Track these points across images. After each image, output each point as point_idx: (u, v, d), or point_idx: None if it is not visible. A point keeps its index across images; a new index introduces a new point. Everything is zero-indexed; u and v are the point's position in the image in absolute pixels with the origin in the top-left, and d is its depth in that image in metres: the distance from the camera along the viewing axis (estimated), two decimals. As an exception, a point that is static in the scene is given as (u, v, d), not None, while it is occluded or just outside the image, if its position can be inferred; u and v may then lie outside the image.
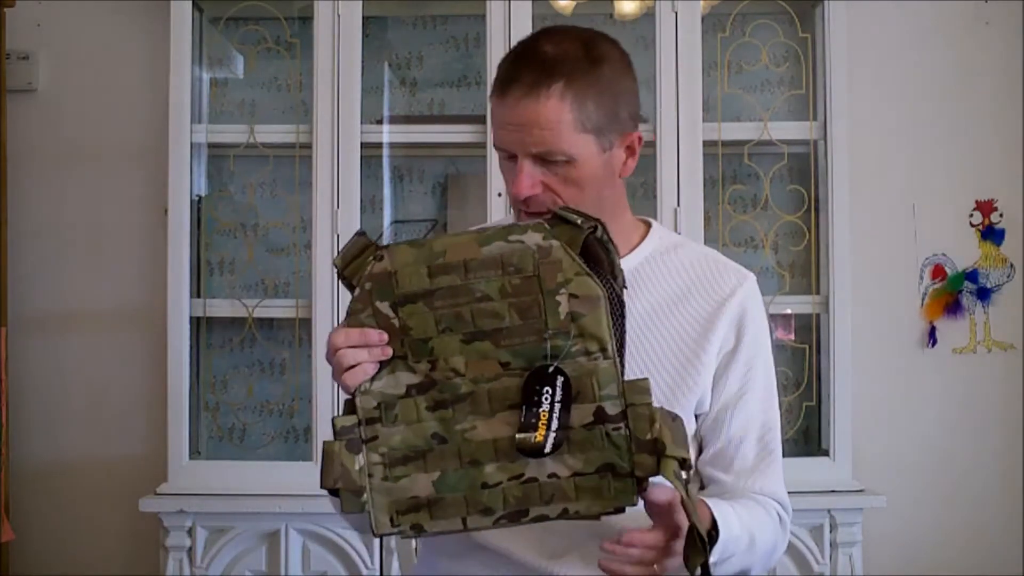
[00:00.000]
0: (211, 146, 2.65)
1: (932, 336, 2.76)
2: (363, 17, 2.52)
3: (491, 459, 1.14)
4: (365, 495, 1.15)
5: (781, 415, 2.86)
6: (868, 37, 2.73)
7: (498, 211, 2.46)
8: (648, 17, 2.59)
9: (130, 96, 2.78)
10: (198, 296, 2.62)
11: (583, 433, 1.13)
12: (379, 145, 2.68)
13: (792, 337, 2.68)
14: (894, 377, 2.76)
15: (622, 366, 1.15)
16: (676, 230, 2.46)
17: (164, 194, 2.55)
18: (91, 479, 2.76)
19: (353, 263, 1.18)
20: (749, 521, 1.31)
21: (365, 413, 1.16)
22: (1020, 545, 2.73)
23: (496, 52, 2.47)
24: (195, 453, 2.60)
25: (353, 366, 1.16)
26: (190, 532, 2.47)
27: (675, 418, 1.16)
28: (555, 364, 1.13)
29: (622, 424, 1.13)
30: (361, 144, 2.51)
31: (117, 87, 2.79)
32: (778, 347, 2.68)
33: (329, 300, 2.48)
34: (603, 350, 1.13)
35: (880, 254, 2.75)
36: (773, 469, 1.40)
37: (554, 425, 1.12)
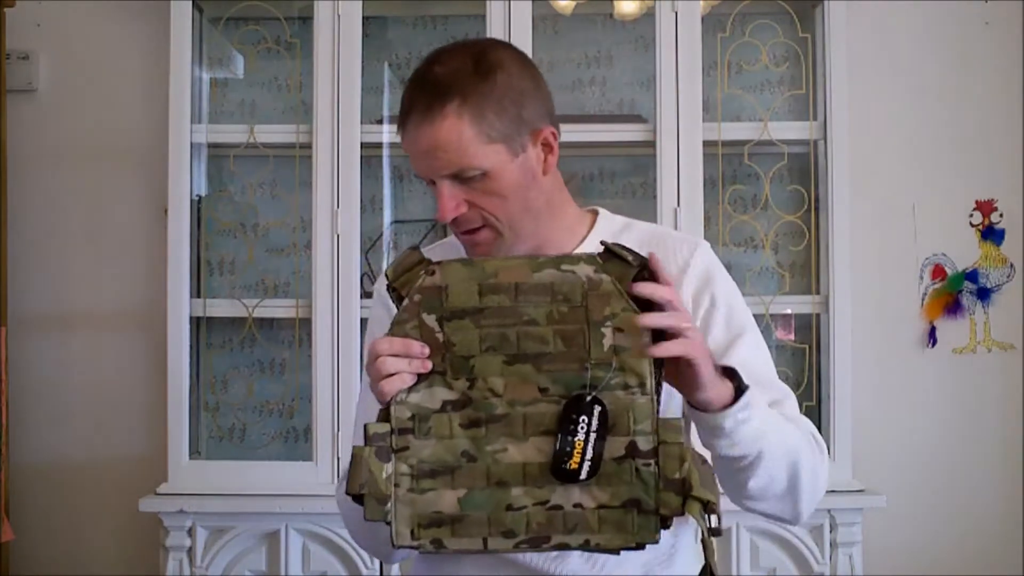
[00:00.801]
0: (211, 146, 2.65)
1: (932, 336, 2.76)
2: (363, 17, 2.52)
3: (519, 482, 1.16)
4: (389, 504, 1.16)
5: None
6: (868, 37, 2.74)
7: (498, 211, 2.45)
8: (648, 17, 2.59)
9: (130, 96, 2.78)
10: (198, 296, 2.62)
11: (613, 466, 1.15)
12: (379, 145, 2.68)
13: (792, 337, 2.69)
14: (894, 377, 2.76)
15: (658, 403, 1.16)
16: (676, 230, 2.46)
17: (164, 194, 2.55)
18: (91, 479, 2.76)
19: (404, 276, 1.19)
20: (773, 418, 1.28)
21: (399, 423, 1.17)
22: (1020, 545, 2.74)
23: (496, 52, 2.47)
24: (195, 453, 2.60)
25: (392, 374, 1.16)
26: (190, 532, 2.47)
27: (704, 461, 1.18)
28: (593, 393, 1.14)
29: (652, 461, 1.14)
30: (361, 144, 2.51)
31: (117, 87, 2.79)
32: (778, 347, 2.68)
33: (329, 300, 2.48)
34: (642, 385, 1.14)
35: (880, 254, 2.76)
36: (790, 403, 1.39)
37: (589, 453, 1.13)
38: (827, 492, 2.53)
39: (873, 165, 2.74)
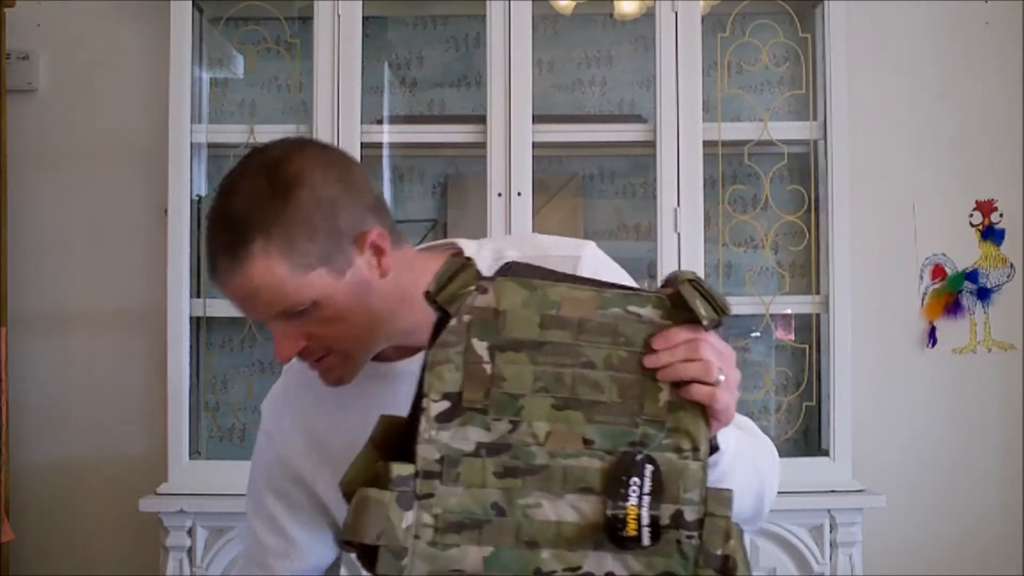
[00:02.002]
0: (211, 146, 2.65)
1: (932, 336, 2.76)
2: (363, 17, 2.51)
3: (550, 544, 1.02)
4: (406, 559, 1.00)
5: (781, 415, 2.87)
6: (868, 37, 2.74)
7: (498, 211, 2.46)
8: (648, 17, 2.59)
9: (130, 96, 2.78)
10: (198, 296, 2.61)
11: (650, 544, 1.03)
12: (379, 145, 2.68)
13: (792, 337, 2.68)
14: (894, 377, 2.76)
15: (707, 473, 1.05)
16: (676, 230, 2.46)
17: (164, 194, 2.55)
18: (91, 479, 2.76)
19: (448, 287, 1.03)
20: (743, 440, 1.20)
21: (425, 464, 1.01)
22: (1020, 545, 2.74)
23: (496, 52, 2.47)
24: (195, 453, 2.60)
25: None
26: (190, 532, 2.46)
27: (742, 533, 1.07)
28: (645, 452, 1.02)
29: (696, 533, 1.03)
30: (361, 144, 2.51)
31: (117, 87, 2.79)
32: (778, 347, 2.69)
33: (329, 300, 2.47)
34: (695, 450, 1.03)
35: (880, 254, 2.76)
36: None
37: (645, 520, 1.01)
38: (827, 492, 2.54)
39: (873, 165, 2.74)
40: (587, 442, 1.03)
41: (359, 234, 1.17)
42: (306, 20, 2.58)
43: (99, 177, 2.78)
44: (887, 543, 2.69)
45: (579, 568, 1.03)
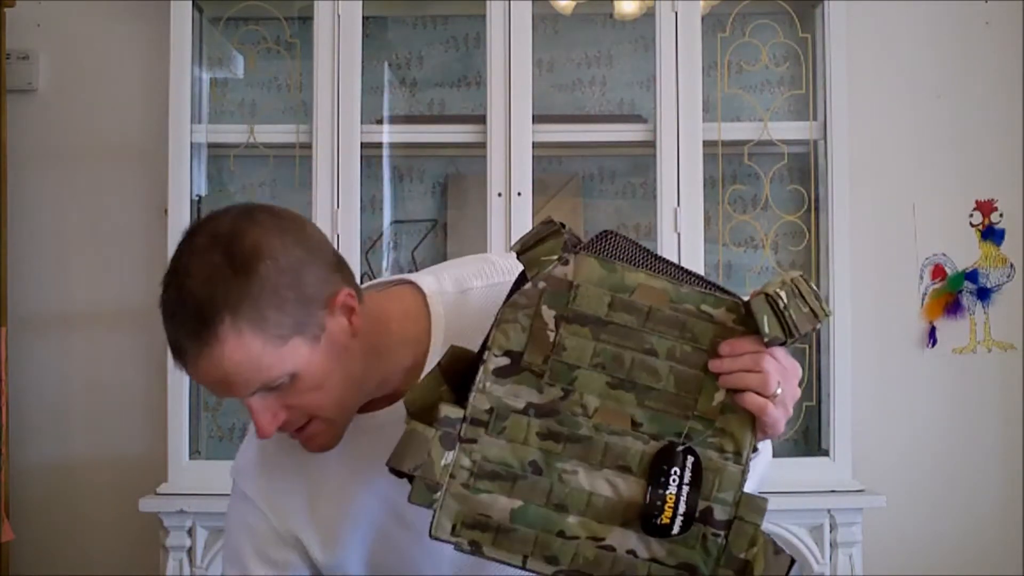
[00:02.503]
0: (211, 146, 2.65)
1: (932, 336, 2.76)
2: (363, 17, 2.51)
3: (578, 511, 1.07)
4: (439, 494, 1.06)
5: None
6: (868, 37, 2.74)
7: (498, 211, 2.46)
8: (648, 17, 2.59)
9: (130, 96, 2.78)
10: (198, 296, 2.61)
11: (679, 535, 1.07)
12: (379, 145, 2.68)
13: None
14: (894, 377, 2.76)
15: (746, 477, 1.08)
16: (676, 230, 2.46)
17: (164, 194, 2.55)
18: (91, 479, 2.76)
19: (532, 250, 1.07)
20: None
21: (474, 412, 1.07)
22: (1020, 545, 2.74)
23: (496, 52, 2.47)
24: (195, 453, 2.60)
25: None
26: (190, 532, 2.46)
27: (778, 552, 1.09)
28: (687, 443, 1.06)
29: (723, 533, 1.07)
30: (361, 144, 2.51)
31: (117, 87, 2.79)
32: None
33: (329, 300, 2.47)
34: (737, 454, 1.07)
35: (880, 254, 2.76)
36: None
37: (682, 508, 1.06)
38: (827, 492, 2.54)
39: (873, 165, 2.74)
40: (635, 424, 1.07)
41: (328, 297, 1.13)
42: (306, 20, 2.58)
43: (99, 177, 2.78)
44: (887, 543, 2.69)
45: (602, 540, 1.07)
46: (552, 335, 1.06)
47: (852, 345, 2.53)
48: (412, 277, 1.26)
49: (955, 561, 2.72)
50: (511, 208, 2.46)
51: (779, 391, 1.06)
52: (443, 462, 1.06)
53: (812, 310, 1.07)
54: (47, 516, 2.75)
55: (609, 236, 1.08)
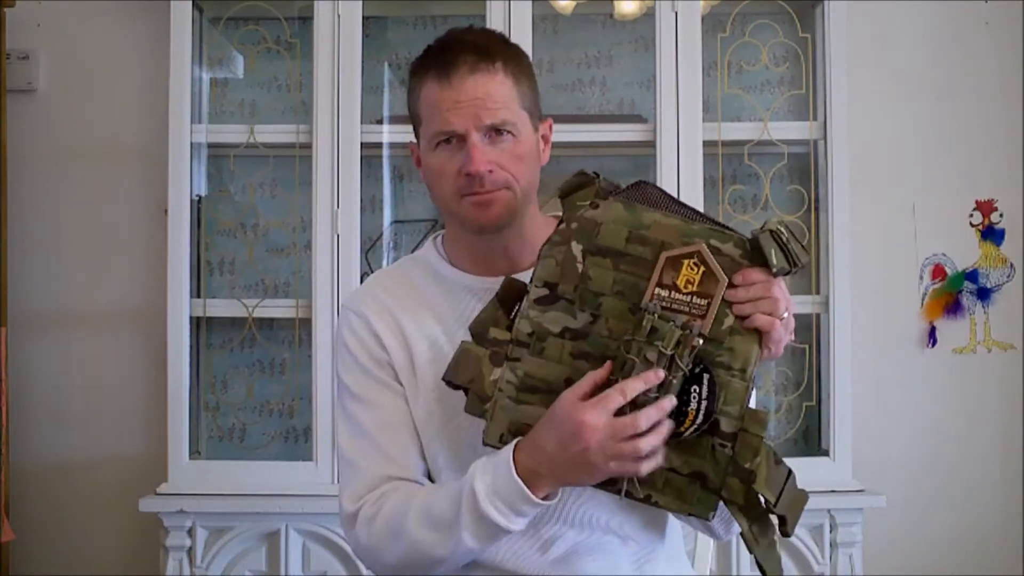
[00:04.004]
0: (211, 146, 2.65)
1: (932, 336, 2.76)
2: (363, 17, 2.52)
3: None
4: (489, 404, 1.23)
5: (781, 415, 2.86)
6: (868, 37, 2.74)
7: (498, 211, 2.45)
8: (648, 17, 2.59)
9: (130, 96, 2.78)
10: (198, 296, 2.62)
11: (693, 437, 1.19)
12: (379, 145, 2.68)
13: (792, 337, 2.68)
14: (894, 377, 2.76)
15: (751, 393, 1.20)
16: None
17: (164, 194, 2.55)
18: (91, 479, 2.76)
19: (572, 195, 1.28)
20: None
21: (518, 335, 1.23)
22: (1020, 545, 2.74)
23: (496, 52, 2.47)
24: (195, 453, 2.60)
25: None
26: (190, 532, 2.47)
27: (779, 462, 1.22)
28: (703, 365, 1.18)
29: (730, 444, 1.19)
30: (361, 144, 2.51)
31: (117, 87, 2.79)
32: (778, 347, 2.68)
33: (329, 300, 2.48)
34: (742, 371, 1.19)
35: (880, 254, 2.76)
36: None
37: (700, 419, 1.18)
38: (827, 492, 2.54)
39: (873, 165, 2.74)
40: None
41: (543, 117, 1.43)
42: (306, 20, 2.58)
43: (99, 177, 2.78)
44: (887, 543, 2.69)
45: None
46: (580, 266, 1.22)
47: (852, 345, 2.53)
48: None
49: (955, 561, 2.72)
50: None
51: (786, 315, 1.22)
52: (492, 377, 1.23)
53: (803, 246, 1.21)
54: (47, 516, 2.75)
55: (641, 185, 1.25)
